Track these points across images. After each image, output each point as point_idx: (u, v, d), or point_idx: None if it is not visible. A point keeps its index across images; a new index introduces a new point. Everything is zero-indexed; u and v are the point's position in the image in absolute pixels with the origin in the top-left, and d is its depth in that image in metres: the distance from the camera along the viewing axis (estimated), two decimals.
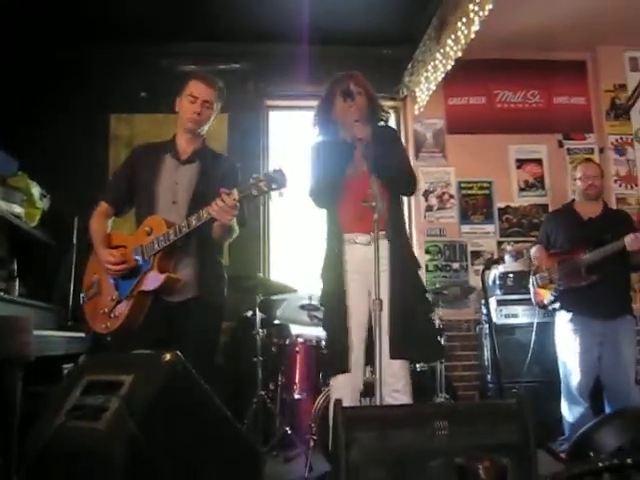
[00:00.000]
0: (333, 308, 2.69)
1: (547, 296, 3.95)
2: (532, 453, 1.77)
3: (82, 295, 2.86)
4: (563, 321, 3.87)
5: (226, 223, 2.53)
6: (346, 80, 2.80)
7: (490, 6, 3.82)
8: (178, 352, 1.79)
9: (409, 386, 2.64)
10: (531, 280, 4.10)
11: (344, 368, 2.59)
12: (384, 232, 2.62)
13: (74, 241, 4.52)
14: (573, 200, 4.10)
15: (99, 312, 2.73)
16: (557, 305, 3.90)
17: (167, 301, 2.67)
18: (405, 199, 5.42)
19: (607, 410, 3.76)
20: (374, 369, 2.42)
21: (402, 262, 2.68)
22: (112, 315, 2.68)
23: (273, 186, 2.39)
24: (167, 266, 2.65)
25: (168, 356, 1.76)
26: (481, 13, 3.93)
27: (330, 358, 2.66)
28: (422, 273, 5.25)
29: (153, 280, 2.62)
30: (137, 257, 2.67)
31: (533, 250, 4.17)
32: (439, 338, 2.86)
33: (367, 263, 2.64)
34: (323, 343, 3.96)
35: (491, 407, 2.01)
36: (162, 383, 1.72)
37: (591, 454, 1.91)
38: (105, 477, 1.55)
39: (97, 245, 2.79)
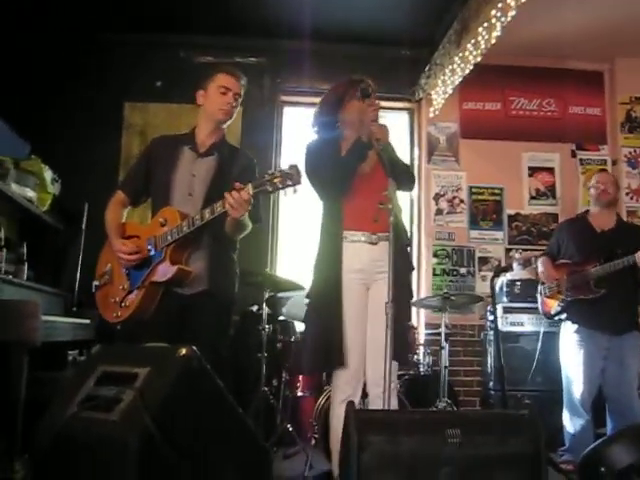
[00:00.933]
0: (329, 303, 2.62)
1: (554, 306, 3.94)
2: (543, 465, 1.77)
3: (94, 283, 2.86)
4: (568, 332, 3.85)
5: (237, 217, 2.51)
6: (364, 82, 2.80)
7: (513, 12, 3.80)
8: (194, 347, 1.78)
9: (397, 389, 2.69)
10: (539, 289, 4.09)
11: (340, 362, 2.57)
12: (389, 234, 2.54)
13: (83, 227, 4.52)
14: (587, 211, 4.06)
15: (110, 301, 2.73)
16: (564, 316, 3.89)
17: (179, 293, 2.67)
18: (415, 202, 5.46)
19: (609, 422, 3.77)
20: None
21: (402, 266, 2.65)
22: (123, 304, 2.68)
23: (288, 183, 2.35)
24: (179, 258, 2.64)
25: (184, 350, 1.75)
26: (503, 19, 3.91)
27: (325, 353, 2.63)
28: (429, 276, 5.29)
29: (164, 271, 2.62)
30: (150, 248, 2.67)
31: (539, 263, 4.13)
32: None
33: (370, 262, 2.66)
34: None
35: (503, 417, 2.00)
36: (177, 377, 1.71)
37: (602, 470, 1.90)
38: (118, 467, 1.55)
39: (111, 234, 2.79)
